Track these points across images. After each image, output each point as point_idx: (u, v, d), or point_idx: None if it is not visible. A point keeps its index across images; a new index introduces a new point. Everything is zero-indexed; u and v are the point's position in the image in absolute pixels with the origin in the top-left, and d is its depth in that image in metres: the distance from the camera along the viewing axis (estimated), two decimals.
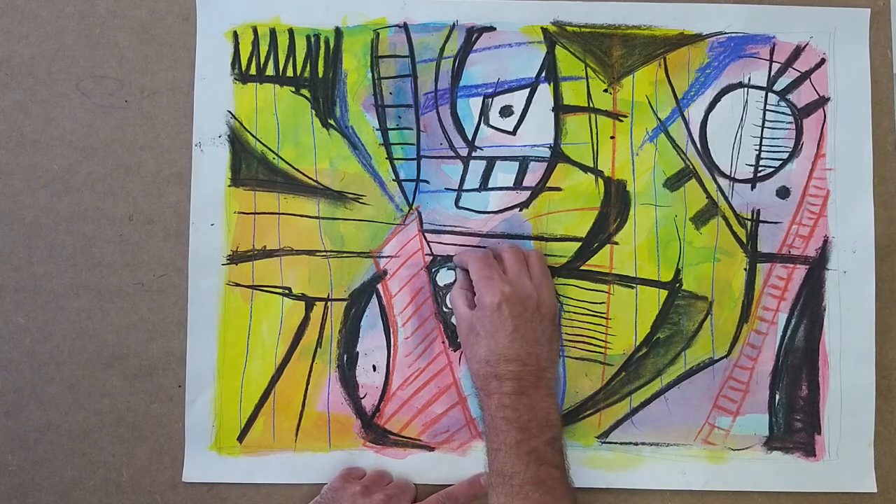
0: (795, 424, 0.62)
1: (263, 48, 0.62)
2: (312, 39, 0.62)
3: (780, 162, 0.62)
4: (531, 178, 0.62)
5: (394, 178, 0.62)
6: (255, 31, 0.62)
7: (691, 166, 0.62)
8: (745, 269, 0.62)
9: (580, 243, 0.62)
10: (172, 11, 0.63)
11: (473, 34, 0.62)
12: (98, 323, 0.62)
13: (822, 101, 0.63)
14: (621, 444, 0.61)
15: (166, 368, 0.62)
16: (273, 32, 0.62)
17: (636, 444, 0.61)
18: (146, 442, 0.61)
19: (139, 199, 0.62)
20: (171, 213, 0.62)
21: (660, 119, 0.62)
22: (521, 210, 0.62)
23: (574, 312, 0.62)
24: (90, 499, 0.61)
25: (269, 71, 0.62)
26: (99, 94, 0.63)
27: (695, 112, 0.62)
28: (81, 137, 0.63)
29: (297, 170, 0.62)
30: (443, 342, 0.62)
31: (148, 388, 0.62)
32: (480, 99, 0.63)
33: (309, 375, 0.61)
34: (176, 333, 0.62)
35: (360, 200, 0.62)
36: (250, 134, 0.62)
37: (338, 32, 0.62)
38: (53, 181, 0.63)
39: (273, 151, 0.62)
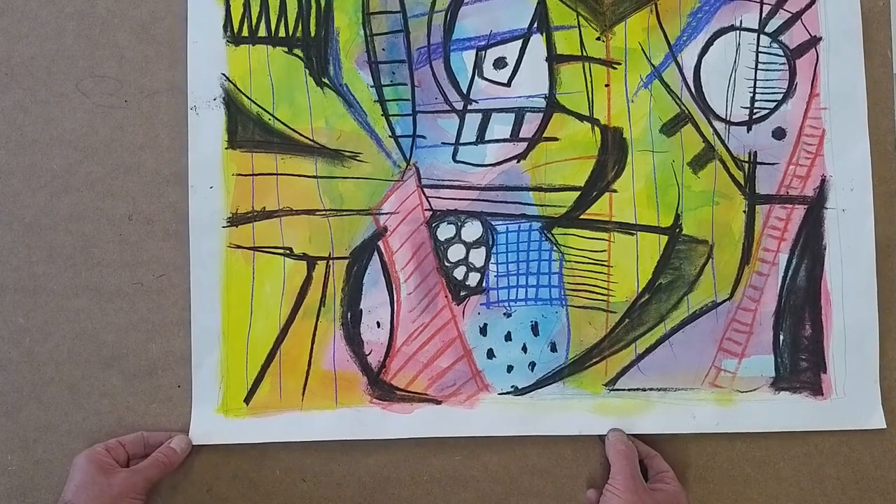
0: (801, 364, 0.62)
1: (255, 9, 0.62)
2: None
3: (775, 103, 0.62)
4: (527, 129, 0.62)
5: (390, 134, 0.62)
6: None
7: (687, 111, 0.62)
8: (745, 212, 0.62)
9: (579, 192, 0.62)
10: (172, 11, 0.63)
11: None
12: (98, 323, 0.62)
13: (814, 41, 0.63)
14: (629, 390, 0.61)
15: (166, 368, 0.62)
16: None
17: (644, 389, 0.61)
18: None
19: (138, 199, 0.62)
20: (170, 212, 0.62)
21: (653, 65, 0.62)
22: (518, 161, 0.62)
23: (575, 262, 0.62)
24: None
25: (262, 32, 0.62)
26: (99, 94, 0.63)
27: (688, 57, 0.63)
28: (81, 137, 0.63)
29: (294, 130, 0.62)
30: (445, 296, 0.62)
31: (148, 388, 0.62)
32: (473, 52, 0.63)
33: (314, 334, 0.61)
34: (176, 333, 0.62)
35: (358, 158, 0.62)
36: (245, 96, 0.62)
37: None
38: (53, 181, 0.62)
39: (268, 112, 0.62)
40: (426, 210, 0.62)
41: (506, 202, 0.62)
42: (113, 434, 0.61)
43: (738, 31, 0.63)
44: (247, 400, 0.61)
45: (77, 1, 0.63)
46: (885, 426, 0.61)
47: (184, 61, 0.62)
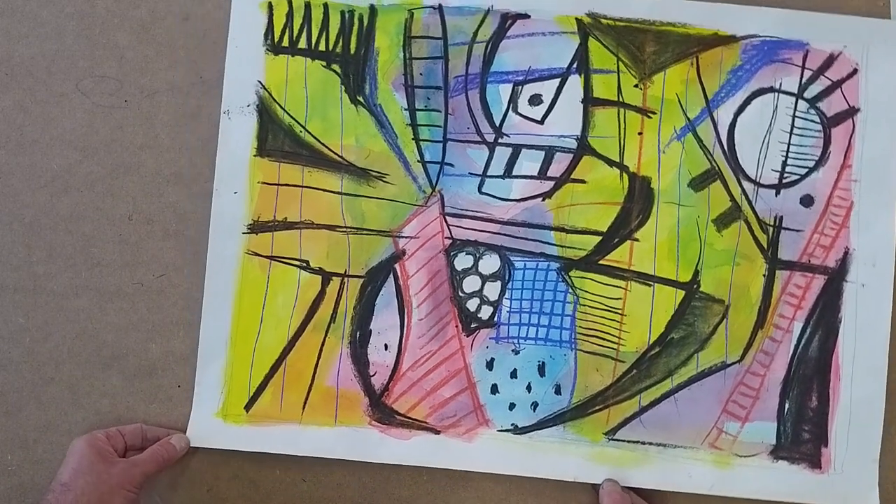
0: (803, 435, 0.61)
1: (297, 21, 0.63)
2: (347, 15, 0.62)
3: (807, 170, 0.62)
4: (556, 169, 0.62)
5: (419, 159, 0.62)
6: (290, 3, 0.62)
7: (717, 168, 0.62)
8: (764, 275, 0.62)
9: (601, 237, 0.62)
10: (172, 11, 0.63)
11: (507, 20, 0.62)
12: (98, 323, 0.62)
13: (852, 112, 0.62)
14: (629, 441, 0.61)
15: (166, 368, 0.62)
16: (308, 6, 0.62)
17: (643, 443, 0.61)
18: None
19: (138, 199, 0.63)
20: (170, 212, 0.62)
21: (688, 118, 0.62)
22: (543, 200, 0.62)
23: (590, 306, 0.62)
24: None
25: (302, 44, 0.63)
26: (99, 94, 0.63)
27: (724, 113, 0.62)
28: (81, 137, 0.63)
29: (323, 144, 0.62)
30: (456, 326, 0.62)
31: (148, 388, 0.62)
32: (510, 86, 0.62)
33: (321, 350, 0.61)
34: (176, 333, 0.62)
35: (384, 179, 0.62)
36: (279, 105, 0.62)
37: (372, 10, 0.62)
38: (53, 181, 0.63)
39: (300, 124, 0.62)
40: (446, 238, 0.62)
41: (526, 239, 0.62)
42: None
43: (776, 94, 0.62)
44: (247, 407, 0.61)
45: (77, 1, 0.63)
46: None
47: (184, 61, 0.63)
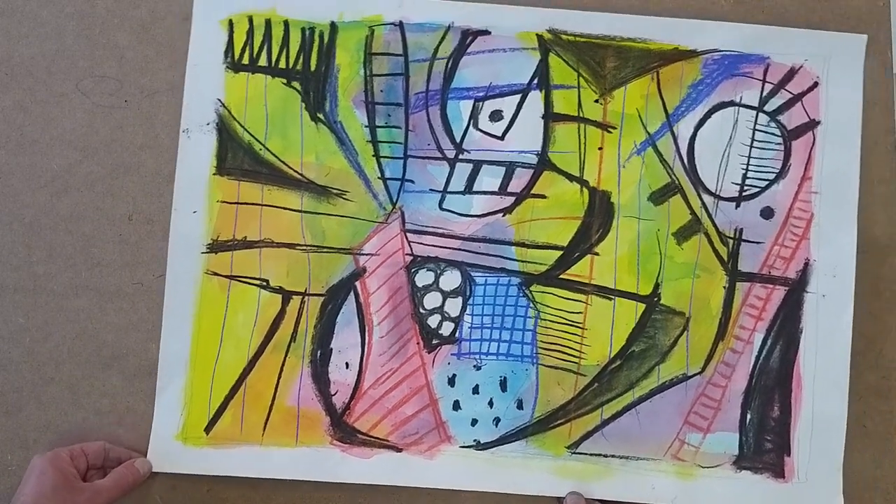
0: (766, 445, 0.61)
1: (258, 38, 0.62)
2: (307, 32, 0.62)
3: (767, 182, 0.62)
4: (516, 184, 0.62)
5: (379, 175, 0.62)
6: (250, 20, 0.62)
7: (677, 181, 0.62)
8: (725, 287, 0.62)
9: (561, 252, 0.62)
10: (172, 11, 0.63)
11: (468, 37, 0.62)
12: (98, 323, 0.62)
13: (812, 125, 0.63)
14: (591, 455, 0.61)
15: None
16: (268, 23, 0.62)
17: (606, 455, 0.61)
18: (146, 442, 0.61)
19: (138, 199, 0.62)
20: (170, 212, 0.62)
21: (649, 132, 0.62)
22: (504, 215, 0.62)
23: (551, 321, 0.62)
24: None
25: (262, 61, 0.62)
26: (99, 94, 0.63)
27: (684, 128, 0.62)
28: (81, 137, 0.63)
29: (283, 162, 0.62)
30: (417, 343, 0.62)
31: (147, 388, 0.61)
32: (471, 102, 0.62)
33: (281, 369, 0.61)
34: None
35: (344, 196, 0.62)
36: (238, 123, 0.62)
37: (333, 27, 0.62)
38: (53, 181, 0.62)
39: (260, 142, 0.62)
40: (407, 255, 0.62)
41: (487, 254, 0.62)
42: (113, 434, 0.61)
43: (737, 107, 0.63)
44: (207, 429, 0.61)
45: (77, 1, 0.63)
46: None
47: (184, 62, 0.62)
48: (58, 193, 0.62)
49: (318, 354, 0.61)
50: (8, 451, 0.61)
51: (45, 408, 0.62)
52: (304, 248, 0.62)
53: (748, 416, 0.62)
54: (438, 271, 0.62)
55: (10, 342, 0.62)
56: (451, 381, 0.62)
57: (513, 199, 0.62)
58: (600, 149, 0.62)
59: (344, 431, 0.61)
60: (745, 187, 0.62)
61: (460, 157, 0.62)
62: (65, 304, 0.62)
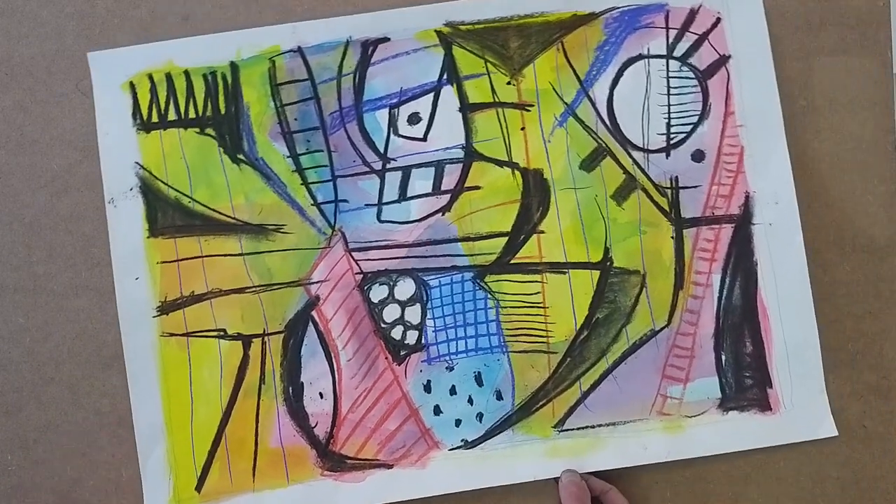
0: (746, 382, 0.62)
1: (162, 94, 0.62)
2: (209, 77, 0.62)
3: (691, 126, 0.63)
4: (449, 181, 0.62)
5: (312, 202, 0.62)
6: (150, 78, 0.62)
7: (604, 144, 0.62)
8: (673, 238, 0.62)
9: (507, 238, 0.62)
10: (172, 11, 0.63)
11: (369, 47, 0.62)
12: (98, 323, 0.62)
13: (723, 60, 0.63)
14: (578, 429, 0.61)
15: None
16: (169, 77, 0.62)
17: (593, 426, 0.61)
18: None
19: None
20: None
21: (566, 103, 0.63)
22: (443, 214, 0.62)
23: (511, 307, 0.62)
24: (90, 499, 0.61)
25: (171, 115, 0.62)
26: None
27: (599, 91, 0.63)
28: (81, 137, 0.62)
29: (214, 210, 0.62)
30: (386, 358, 0.62)
31: None
32: (386, 110, 0.62)
33: (257, 413, 0.61)
34: None
35: (282, 230, 0.62)
36: (161, 182, 0.62)
37: (233, 66, 0.62)
38: (53, 181, 0.62)
39: (187, 195, 0.62)
40: (356, 274, 0.62)
41: (436, 256, 0.62)
42: (113, 434, 0.61)
43: (646, 59, 0.63)
44: (198, 488, 0.60)
45: (77, 1, 0.63)
46: (836, 433, 0.61)
47: None
48: (58, 193, 0.62)
49: (291, 391, 0.61)
50: (8, 451, 0.61)
51: (45, 408, 0.61)
52: (254, 289, 0.61)
53: (723, 358, 0.62)
54: (391, 283, 0.62)
55: (10, 342, 0.62)
56: (427, 388, 0.62)
57: (448, 196, 0.62)
58: (522, 129, 0.62)
59: (332, 460, 0.61)
60: (672, 135, 0.63)
61: (388, 166, 0.62)
62: (65, 304, 0.62)
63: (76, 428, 0.61)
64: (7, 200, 0.62)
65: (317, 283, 0.62)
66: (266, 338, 0.61)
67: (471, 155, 0.62)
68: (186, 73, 0.62)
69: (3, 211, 0.62)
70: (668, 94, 0.63)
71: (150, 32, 0.63)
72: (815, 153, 0.63)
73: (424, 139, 0.62)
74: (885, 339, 0.62)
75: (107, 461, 0.61)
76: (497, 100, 0.62)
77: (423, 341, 0.62)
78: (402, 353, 0.62)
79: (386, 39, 0.62)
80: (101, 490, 0.61)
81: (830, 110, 0.63)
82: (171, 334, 0.61)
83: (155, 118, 0.62)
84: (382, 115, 0.62)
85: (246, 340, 0.61)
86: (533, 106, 0.62)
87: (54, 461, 0.61)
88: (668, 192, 0.62)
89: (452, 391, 0.62)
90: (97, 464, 0.61)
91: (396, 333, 0.62)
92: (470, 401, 0.62)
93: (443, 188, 0.62)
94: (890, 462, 0.62)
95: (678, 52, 0.63)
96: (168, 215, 0.62)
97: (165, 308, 0.61)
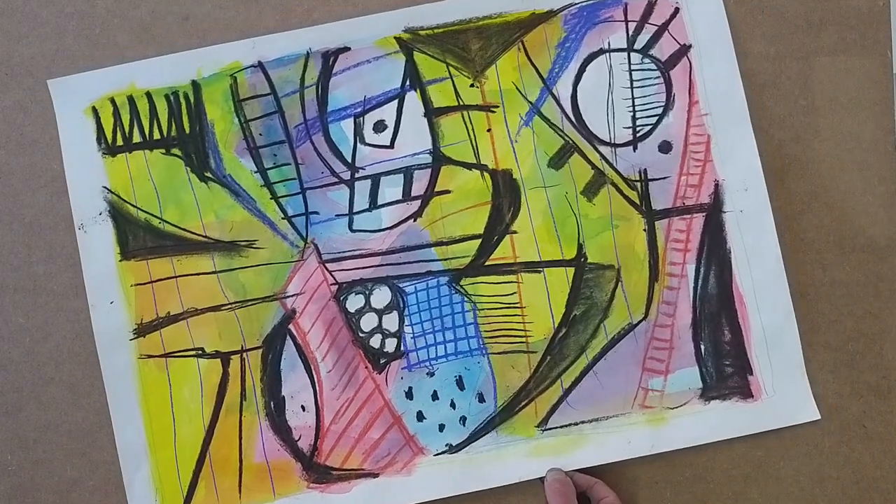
0: (726, 370, 0.62)
1: (125, 117, 0.62)
2: (172, 97, 0.62)
3: (656, 118, 0.63)
4: (418, 187, 0.62)
5: (283, 216, 0.62)
6: (112, 101, 0.62)
7: (571, 141, 0.63)
8: (645, 230, 0.62)
9: (480, 240, 0.62)
10: (172, 11, 0.63)
11: (330, 58, 0.62)
12: None
13: (684, 50, 0.63)
14: (561, 427, 0.61)
15: None
16: (131, 99, 0.62)
17: (576, 423, 0.61)
18: None
19: None
20: None
21: (531, 102, 0.63)
22: (415, 220, 0.62)
23: (488, 308, 0.62)
24: (90, 499, 0.61)
25: (136, 138, 0.62)
26: None
27: (563, 88, 0.63)
28: None
29: (184, 229, 0.62)
30: (366, 367, 0.62)
31: None
32: (351, 120, 0.62)
33: (240, 430, 0.61)
34: None
35: (254, 246, 0.62)
36: (130, 205, 0.62)
37: (195, 85, 0.62)
38: (53, 181, 0.62)
39: (156, 217, 0.62)
40: (331, 285, 0.62)
41: (410, 262, 0.62)
42: (113, 434, 0.61)
43: (607, 54, 0.63)
44: None
45: (77, 1, 0.63)
46: (819, 417, 0.61)
47: None
48: (58, 193, 0.62)
49: (272, 405, 0.61)
50: (8, 451, 0.61)
51: (45, 408, 0.61)
52: (229, 306, 0.61)
53: (702, 347, 0.62)
54: (367, 292, 0.62)
55: (10, 342, 0.62)
56: (409, 395, 0.62)
57: (419, 202, 0.62)
58: (489, 130, 0.63)
59: (318, 472, 0.61)
60: (638, 128, 0.63)
61: (356, 176, 0.62)
62: (65, 304, 0.62)
63: (76, 428, 0.61)
64: (7, 200, 0.62)
65: (292, 296, 0.62)
66: (244, 354, 0.61)
67: (439, 159, 0.62)
68: (148, 94, 0.62)
69: (3, 211, 0.62)
70: (632, 88, 0.63)
71: (150, 32, 0.63)
72: (815, 153, 0.63)
73: (391, 146, 0.62)
74: (885, 339, 0.62)
75: (107, 461, 0.61)
76: (461, 103, 0.62)
77: (402, 348, 0.62)
78: (382, 361, 0.62)
79: (346, 49, 0.62)
80: (101, 490, 0.61)
81: (830, 110, 0.63)
82: (150, 356, 0.61)
83: (120, 141, 0.62)
84: (348, 125, 0.62)
85: (224, 358, 0.61)
86: (498, 107, 0.62)
87: (54, 461, 0.61)
88: (638, 184, 0.62)
89: (434, 396, 0.62)
90: (97, 464, 0.61)
91: (375, 342, 0.62)
92: (452, 405, 0.62)
93: (413, 194, 0.62)
94: (890, 462, 0.62)
95: (639, 44, 0.63)
96: (139, 237, 0.61)
97: (142, 330, 0.61)
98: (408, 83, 0.62)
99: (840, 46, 0.63)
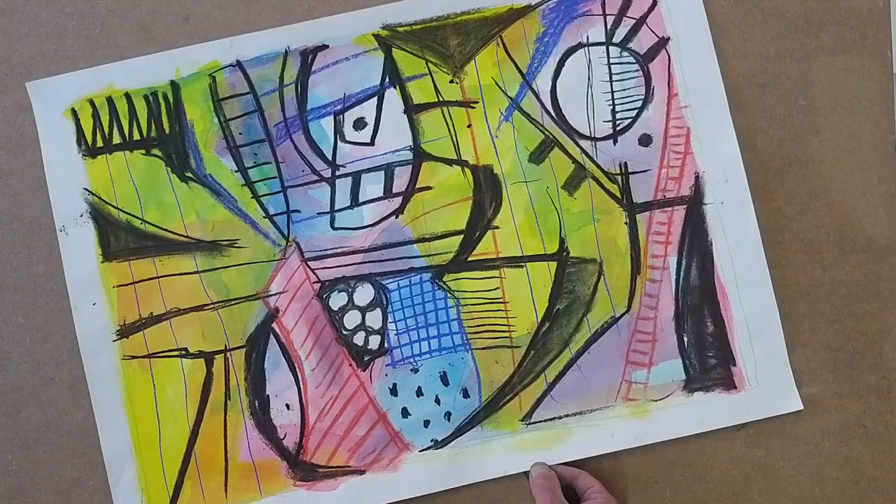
0: (709, 361, 0.62)
1: (105, 118, 0.62)
2: (151, 98, 0.62)
3: (636, 111, 0.63)
4: (399, 184, 0.62)
5: (264, 215, 0.62)
6: (92, 103, 0.62)
7: (551, 136, 0.63)
8: (626, 223, 0.62)
9: (462, 236, 0.62)
10: (172, 11, 0.63)
11: (308, 56, 0.62)
12: None
13: (663, 42, 0.63)
14: (546, 421, 0.62)
15: None
16: (110, 100, 0.62)
17: (560, 417, 0.62)
18: None
19: None
20: None
21: (510, 97, 0.63)
22: (397, 217, 0.62)
23: (472, 304, 0.62)
24: (90, 499, 0.61)
25: (116, 139, 0.62)
26: None
27: (542, 82, 0.63)
28: None
29: (166, 230, 0.62)
30: (350, 365, 0.62)
31: None
32: (331, 117, 0.62)
33: (225, 429, 0.61)
34: None
35: (236, 245, 0.62)
36: (111, 206, 0.62)
37: (174, 85, 0.62)
38: None
39: (138, 217, 0.62)
40: (314, 283, 0.62)
41: (392, 259, 0.62)
42: None
43: (586, 48, 0.63)
44: None
45: (77, 1, 0.63)
46: (802, 407, 0.62)
47: None
48: None
49: (257, 404, 0.61)
50: (8, 451, 0.62)
51: (45, 408, 0.62)
52: (212, 306, 0.61)
53: (685, 339, 0.62)
54: (350, 290, 0.62)
55: (10, 342, 0.62)
56: (394, 391, 0.62)
57: (400, 199, 0.62)
58: (469, 126, 0.63)
59: (304, 470, 0.61)
60: (617, 122, 0.63)
61: (337, 173, 0.62)
62: (65, 304, 0.62)
63: (76, 428, 0.61)
64: (7, 200, 0.62)
65: (275, 295, 0.62)
66: (228, 353, 0.61)
67: (419, 156, 0.62)
68: (127, 95, 0.62)
69: (3, 211, 0.62)
70: (611, 81, 0.63)
71: (150, 32, 0.63)
72: (815, 153, 0.63)
73: (372, 143, 0.62)
74: (885, 339, 0.62)
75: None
76: (441, 99, 0.62)
77: (385, 345, 0.62)
78: (366, 358, 0.62)
79: (325, 47, 0.62)
80: (101, 490, 0.61)
81: (830, 110, 0.63)
82: (133, 357, 0.61)
83: (100, 143, 0.62)
84: (328, 123, 0.62)
85: (208, 357, 0.61)
86: (477, 102, 0.62)
87: (54, 461, 0.61)
88: (619, 178, 0.63)
89: (419, 392, 0.62)
90: (97, 464, 0.61)
91: (359, 339, 0.62)
92: (437, 401, 0.62)
93: (394, 191, 0.62)
94: (890, 462, 0.62)
95: (617, 38, 0.63)
96: (120, 239, 0.61)
97: (125, 331, 0.61)
98: (387, 80, 0.62)
99: (840, 46, 0.63)
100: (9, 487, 0.61)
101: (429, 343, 0.62)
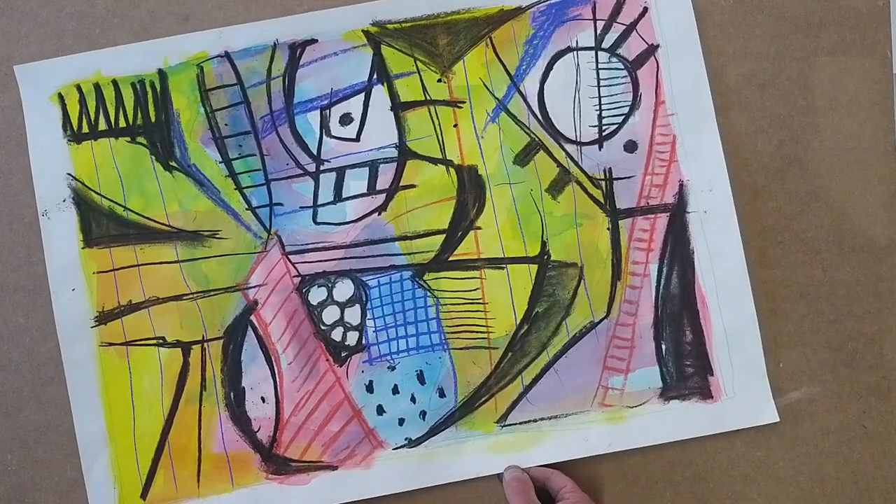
0: (687, 370, 0.62)
1: (91, 104, 0.62)
2: (138, 86, 0.62)
3: (623, 117, 0.63)
4: (383, 181, 0.62)
5: (247, 207, 0.62)
6: (79, 89, 0.62)
7: (537, 139, 0.63)
8: (608, 229, 0.62)
9: (444, 235, 0.62)
10: (172, 11, 0.63)
11: (297, 50, 0.62)
12: None
13: (652, 50, 0.63)
14: (521, 423, 0.62)
15: None
16: (97, 87, 0.62)
17: (535, 420, 0.62)
18: None
19: None
20: None
21: (497, 98, 0.63)
22: (379, 214, 0.62)
23: (451, 304, 0.62)
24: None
25: (102, 125, 0.62)
26: None
27: (530, 85, 0.63)
28: None
29: (148, 218, 0.62)
30: (327, 360, 0.62)
31: None
32: (318, 112, 0.62)
33: (199, 420, 0.61)
34: None
35: (217, 236, 0.62)
36: (94, 192, 0.62)
37: (161, 74, 0.62)
38: None
39: (120, 205, 0.62)
40: (294, 277, 0.62)
41: (373, 256, 0.62)
42: None
43: (575, 52, 0.63)
44: (143, 496, 0.60)
45: (77, 1, 0.63)
46: (778, 419, 0.61)
47: None
48: None
49: (232, 396, 0.61)
50: (8, 451, 0.61)
51: (45, 408, 0.62)
52: (191, 296, 0.61)
53: (663, 347, 0.62)
54: (330, 285, 0.62)
55: (10, 342, 0.62)
56: (370, 388, 0.62)
57: (384, 196, 0.62)
58: (455, 126, 0.63)
59: (277, 464, 0.61)
60: (604, 127, 0.63)
61: (321, 168, 0.62)
62: None
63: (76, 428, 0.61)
64: (7, 200, 0.62)
65: (254, 287, 0.62)
66: (205, 344, 0.61)
67: (405, 154, 0.62)
68: (115, 82, 0.62)
69: (3, 211, 0.62)
70: (599, 86, 0.63)
71: (150, 32, 0.63)
72: (815, 153, 0.63)
73: (357, 139, 0.62)
74: (885, 339, 0.62)
75: None
76: (428, 97, 0.62)
77: (363, 342, 0.62)
78: (343, 354, 0.62)
79: (313, 41, 0.62)
80: None
81: (830, 110, 0.63)
82: (110, 344, 0.61)
83: (85, 129, 0.62)
84: (314, 117, 0.62)
85: (185, 347, 0.61)
86: (464, 102, 0.62)
87: (54, 461, 0.61)
88: (603, 183, 0.63)
89: (395, 390, 0.62)
90: None
91: (337, 335, 0.62)
92: (413, 399, 0.62)
93: (378, 188, 0.62)
94: (890, 462, 0.62)
95: (606, 43, 0.63)
96: (102, 225, 0.61)
97: (103, 318, 0.61)
98: (375, 77, 0.62)
99: (840, 46, 0.63)
100: (9, 487, 0.61)
101: (407, 341, 0.62)
